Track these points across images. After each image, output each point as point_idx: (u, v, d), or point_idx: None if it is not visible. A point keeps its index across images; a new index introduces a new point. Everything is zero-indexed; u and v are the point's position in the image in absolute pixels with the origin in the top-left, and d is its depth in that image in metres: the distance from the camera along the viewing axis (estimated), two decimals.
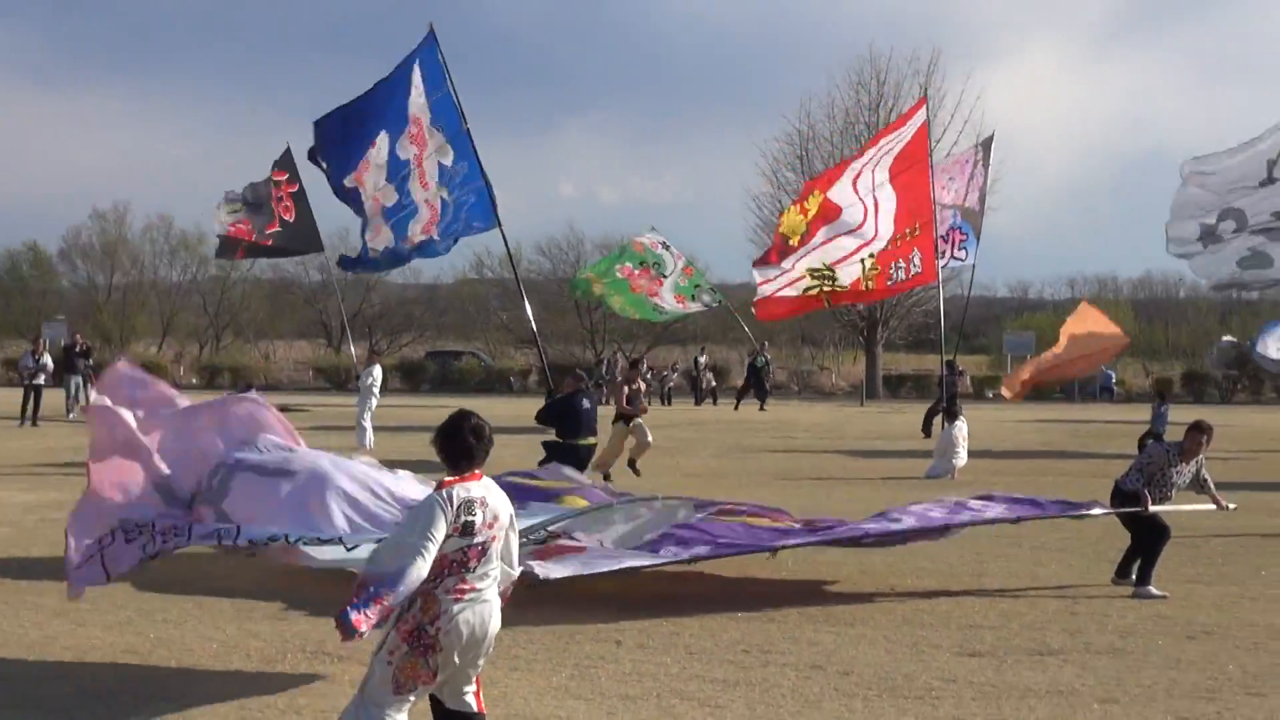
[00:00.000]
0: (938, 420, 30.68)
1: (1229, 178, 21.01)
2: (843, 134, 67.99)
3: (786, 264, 28.46)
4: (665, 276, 39.92)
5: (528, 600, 10.15)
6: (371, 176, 25.28)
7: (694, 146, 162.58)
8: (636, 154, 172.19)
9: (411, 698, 7.00)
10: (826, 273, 28.45)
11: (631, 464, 23.46)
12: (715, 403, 56.60)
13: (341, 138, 25.53)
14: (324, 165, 26.02)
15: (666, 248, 40.77)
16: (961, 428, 25.83)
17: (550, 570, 11.10)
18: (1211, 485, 13.83)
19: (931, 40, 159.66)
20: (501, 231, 25.45)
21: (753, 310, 30.66)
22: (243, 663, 10.18)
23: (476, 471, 7.12)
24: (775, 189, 69.76)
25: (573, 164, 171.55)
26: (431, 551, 6.79)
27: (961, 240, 32.92)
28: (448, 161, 24.79)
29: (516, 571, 7.38)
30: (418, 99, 24.73)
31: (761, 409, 51.24)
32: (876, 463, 28.17)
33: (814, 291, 28.61)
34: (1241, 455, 29.98)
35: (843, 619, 11.75)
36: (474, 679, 7.21)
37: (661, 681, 9.67)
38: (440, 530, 6.83)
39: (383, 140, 25.07)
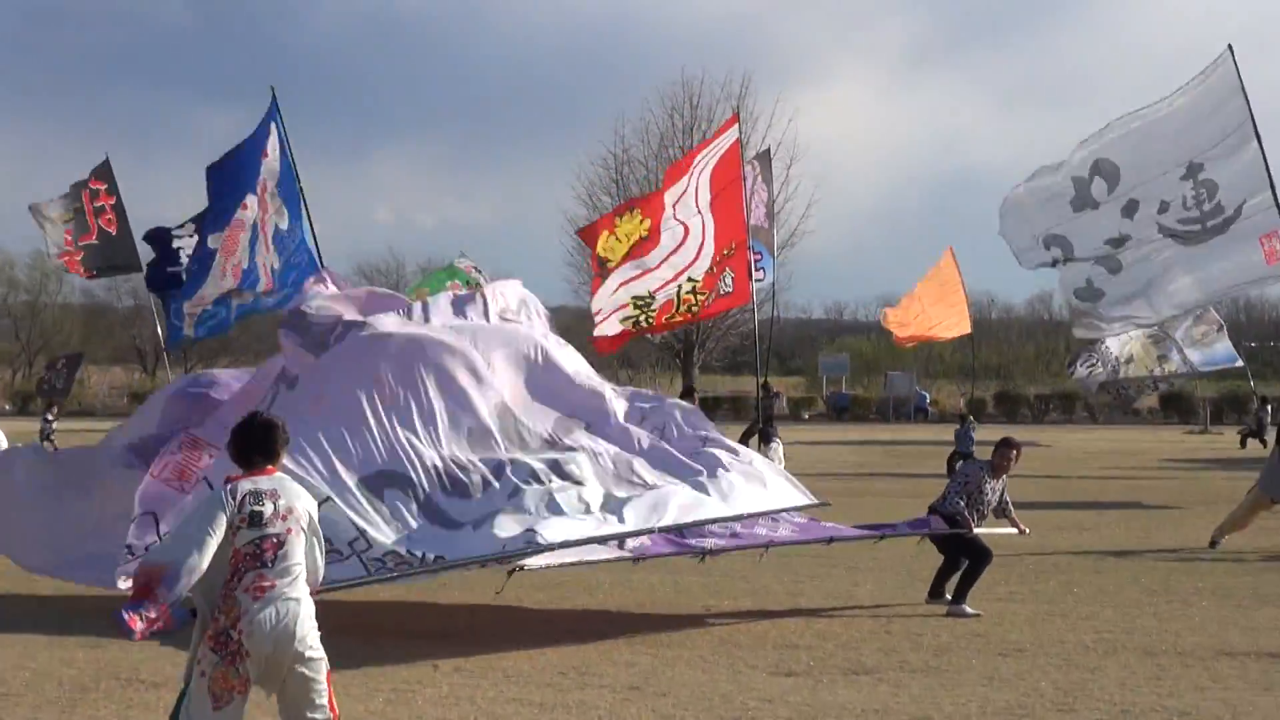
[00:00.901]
0: (753, 442, 31.07)
1: (1040, 201, 21.36)
2: (657, 157, 68.84)
3: (610, 284, 28.73)
4: None
5: (349, 624, 10.09)
6: (242, 238, 25.05)
7: (510, 171, 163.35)
8: (452, 179, 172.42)
9: (230, 710, 6.89)
10: (648, 299, 28.81)
11: None
12: None
13: (216, 194, 25.28)
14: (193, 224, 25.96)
15: (479, 271, 41.21)
16: (776, 449, 26.29)
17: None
18: (1011, 508, 14.27)
19: (743, 64, 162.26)
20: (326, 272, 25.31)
21: (593, 344, 30.89)
22: (55, 691, 9.96)
23: (270, 467, 7.11)
24: (591, 212, 70.25)
25: (388, 189, 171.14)
26: (209, 544, 6.72)
27: (757, 260, 33.51)
28: (284, 225, 24.71)
29: (317, 579, 7.32)
30: (271, 163, 24.61)
31: None
32: None
33: (637, 318, 28.93)
34: (1055, 475, 30.86)
35: (660, 641, 11.84)
36: (318, 694, 7.07)
37: (479, 705, 9.65)
38: (219, 523, 6.78)
39: (251, 201, 24.91)
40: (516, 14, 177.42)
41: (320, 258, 24.67)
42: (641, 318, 28.88)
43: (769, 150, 35.85)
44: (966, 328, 36.92)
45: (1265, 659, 11.32)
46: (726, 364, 75.47)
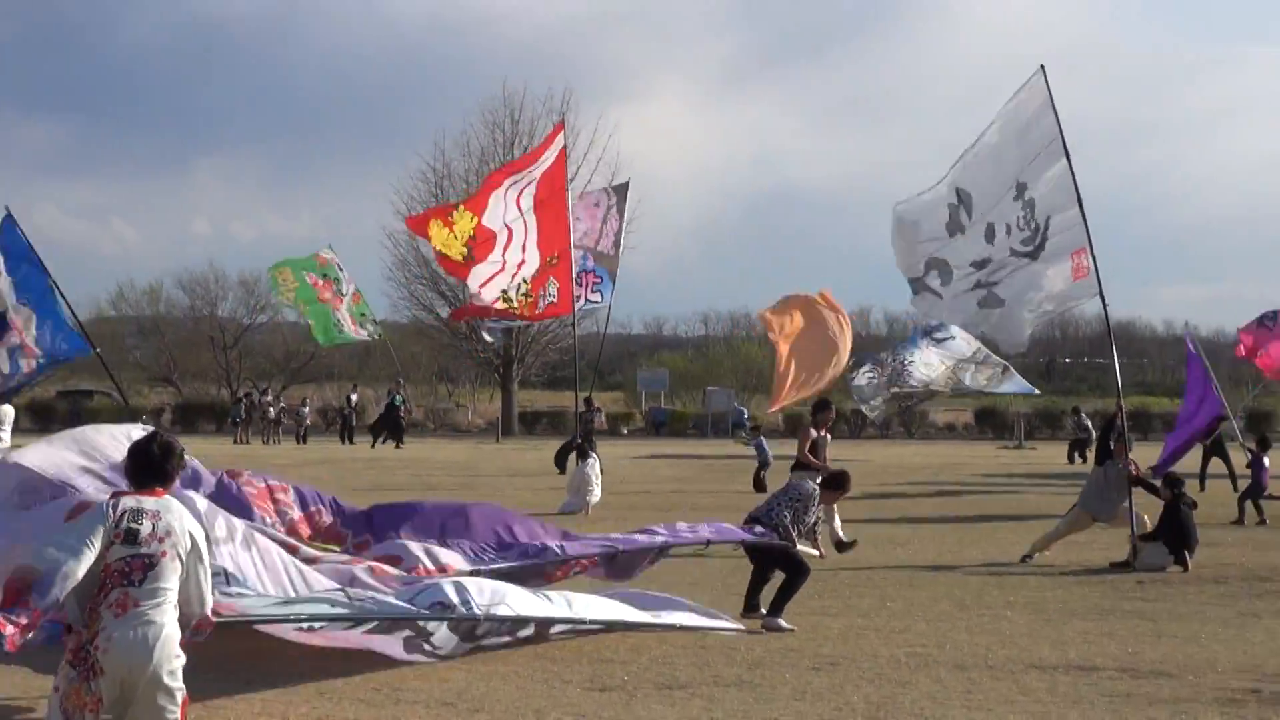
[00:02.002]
0: (572, 456, 31.20)
1: (922, 226, 21.49)
2: (478, 172, 69.19)
3: (473, 281, 29.26)
4: (342, 296, 40.39)
5: None
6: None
7: (330, 184, 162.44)
8: (271, 191, 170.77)
9: None
10: (509, 295, 29.48)
11: None
12: (351, 441, 56.49)
13: None
14: None
15: (341, 269, 41.21)
16: (594, 464, 26.51)
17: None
18: (817, 530, 14.62)
19: (566, 79, 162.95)
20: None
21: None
22: None
23: (159, 489, 7.11)
24: None
25: (207, 201, 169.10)
26: (86, 555, 6.69)
27: (595, 283, 33.89)
28: (35, 330, 24.59)
29: (204, 608, 7.25)
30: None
31: (398, 446, 51.40)
32: (511, 498, 28.37)
33: (503, 306, 29.62)
34: (871, 491, 31.35)
35: (475, 656, 11.82)
36: None
37: None
38: (98, 535, 6.77)
39: None
40: (338, 26, 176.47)
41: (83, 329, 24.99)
42: (512, 305, 29.59)
43: (627, 182, 36.26)
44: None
45: (1074, 672, 11.65)
46: (546, 379, 75.64)
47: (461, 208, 29.51)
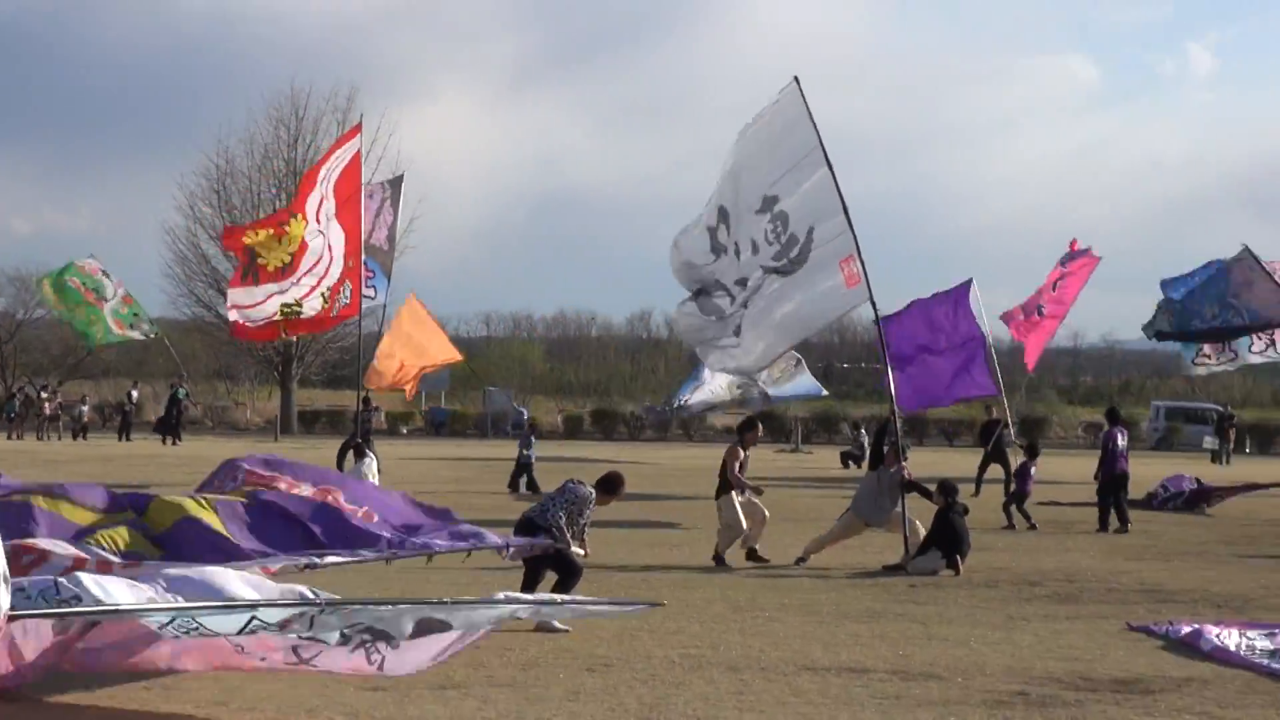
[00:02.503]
0: (349, 456, 31.01)
1: (690, 248, 21.26)
2: (261, 169, 68.44)
3: (259, 294, 29.04)
4: (106, 301, 40.29)
5: None
6: None
7: (112, 179, 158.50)
8: (51, 185, 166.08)
9: None
10: (296, 308, 29.26)
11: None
12: (129, 438, 55.59)
13: None
14: None
15: (106, 275, 40.96)
16: (371, 464, 26.36)
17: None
18: (585, 534, 14.71)
19: (351, 77, 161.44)
20: None
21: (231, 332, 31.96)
22: None
23: None
24: (192, 223, 69.43)
25: None
26: None
27: (369, 278, 33.93)
28: None
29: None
30: None
31: (175, 443, 50.79)
32: None
33: (277, 319, 29.53)
34: (650, 493, 31.53)
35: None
36: None
37: None
38: None
39: None
40: (120, 18, 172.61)
41: None
42: (284, 320, 29.58)
43: (402, 176, 36.41)
44: (456, 354, 37.42)
45: (845, 673, 11.80)
46: (326, 378, 74.94)
47: (299, 217, 29.46)
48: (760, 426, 21.76)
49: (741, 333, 20.69)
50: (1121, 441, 25.79)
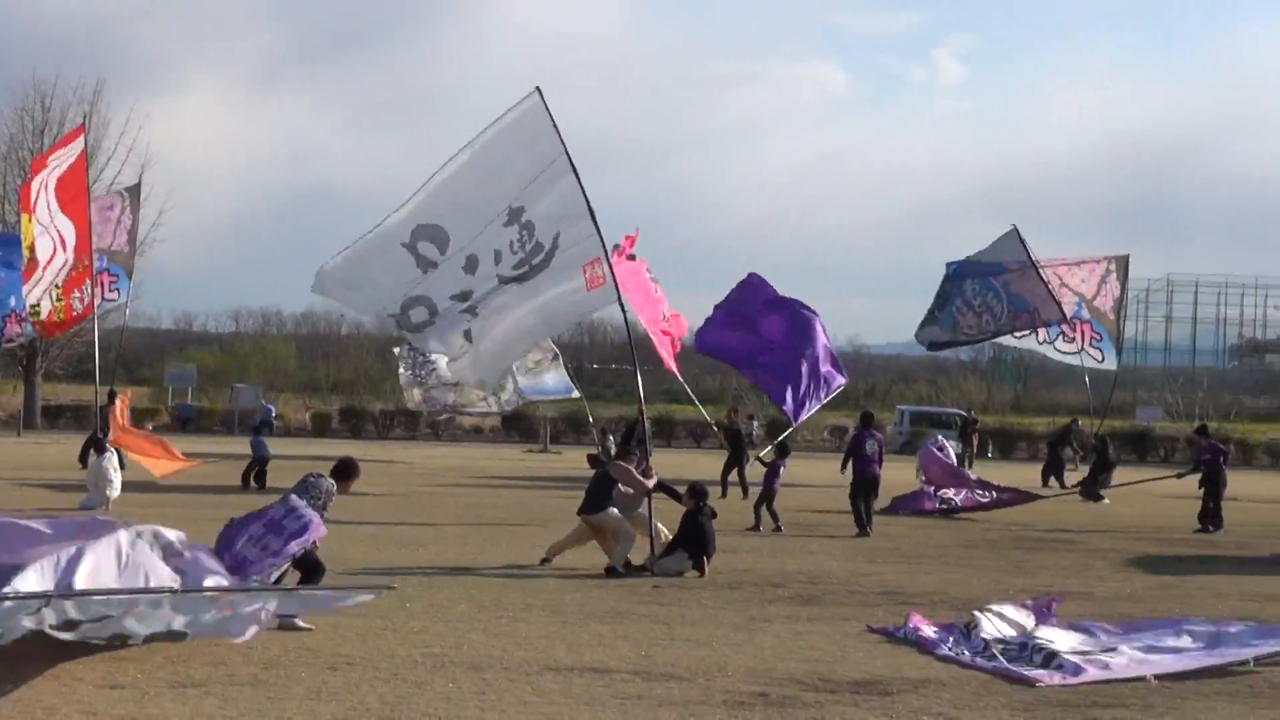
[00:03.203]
0: (91, 451, 30.53)
1: (383, 268, 20.53)
2: (5, 159, 67.33)
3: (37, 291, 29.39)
4: None
5: None
6: None
7: None
8: None
9: None
10: (36, 309, 29.69)
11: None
12: None
13: None
14: None
15: None
16: (112, 458, 26.09)
17: None
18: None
19: (99, 68, 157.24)
20: None
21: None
22: None
23: None
24: None
25: None
26: None
27: (112, 281, 33.81)
28: None
29: None
30: None
31: None
32: (33, 494, 27.61)
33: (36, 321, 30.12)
34: (395, 491, 31.46)
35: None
36: None
37: None
38: None
39: None
40: None
41: None
42: (35, 320, 30.06)
43: (139, 183, 36.33)
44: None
45: (588, 673, 11.99)
46: (71, 372, 73.18)
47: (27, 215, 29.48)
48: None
49: (475, 341, 20.58)
50: (872, 446, 26.40)
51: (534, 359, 39.54)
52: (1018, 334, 37.63)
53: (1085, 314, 37.54)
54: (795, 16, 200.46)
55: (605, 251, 20.02)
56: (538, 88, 20.05)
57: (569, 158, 19.89)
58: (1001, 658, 13.16)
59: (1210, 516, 28.79)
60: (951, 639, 13.95)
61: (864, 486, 25.97)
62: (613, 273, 19.99)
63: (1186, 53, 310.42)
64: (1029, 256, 35.44)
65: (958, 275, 36.62)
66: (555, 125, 19.91)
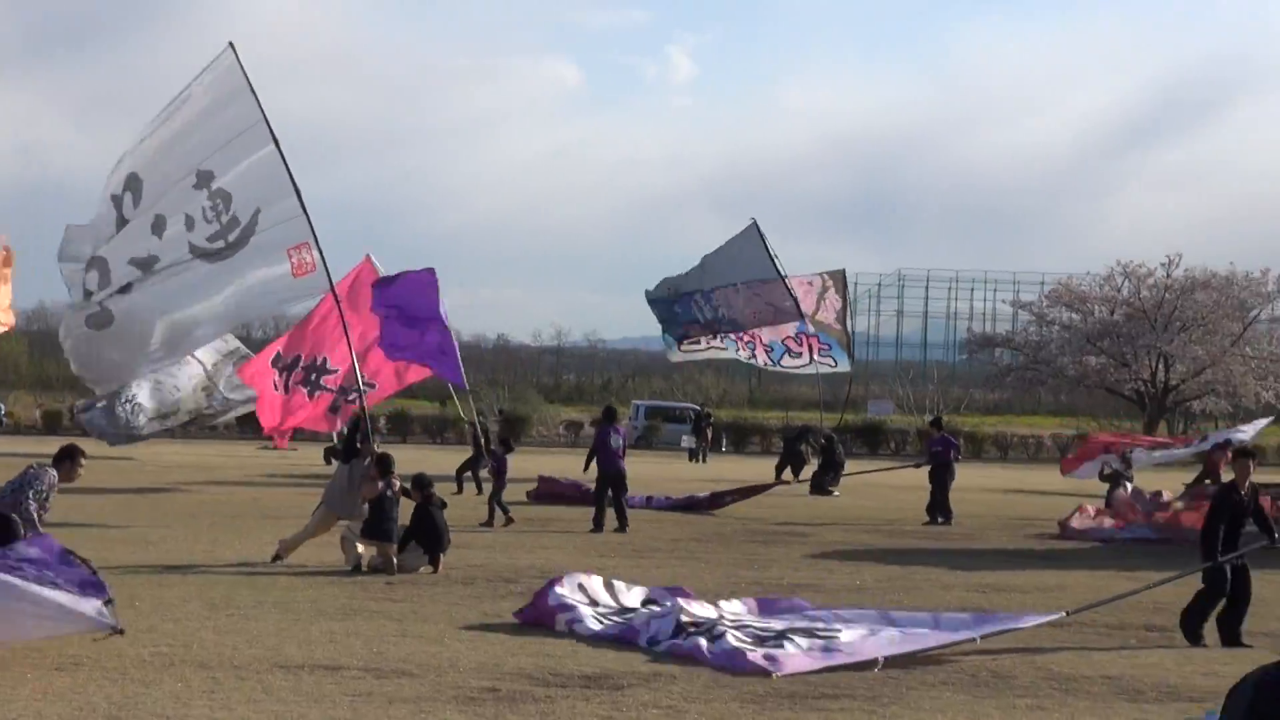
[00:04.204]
0: None
1: (92, 223, 19.81)
2: None
3: None
4: None
5: None
6: None
7: None
8: None
9: None
10: None
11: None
12: None
13: None
14: None
15: None
16: None
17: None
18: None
19: None
20: None
21: None
22: None
23: None
24: None
25: None
26: None
27: None
28: None
29: None
30: None
31: None
32: None
33: None
34: (127, 488, 30.94)
35: None
36: None
37: None
38: None
39: None
40: None
41: None
42: None
43: None
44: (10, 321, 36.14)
45: (319, 671, 12.10)
46: None
47: None
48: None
49: (119, 325, 19.72)
50: (616, 440, 26.80)
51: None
52: (745, 356, 38.58)
53: (810, 328, 38.41)
54: (531, 12, 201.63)
55: (315, 236, 19.57)
56: (230, 43, 19.48)
57: (270, 128, 19.20)
58: (708, 638, 13.64)
59: (939, 508, 29.85)
60: (652, 623, 14.40)
61: (610, 481, 26.32)
62: (324, 259, 19.59)
63: (910, 51, 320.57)
64: (768, 252, 36.20)
65: (668, 298, 37.16)
66: (252, 89, 19.17)
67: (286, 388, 23.75)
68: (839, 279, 39.62)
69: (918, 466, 33.15)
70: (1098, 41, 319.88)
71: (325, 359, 23.87)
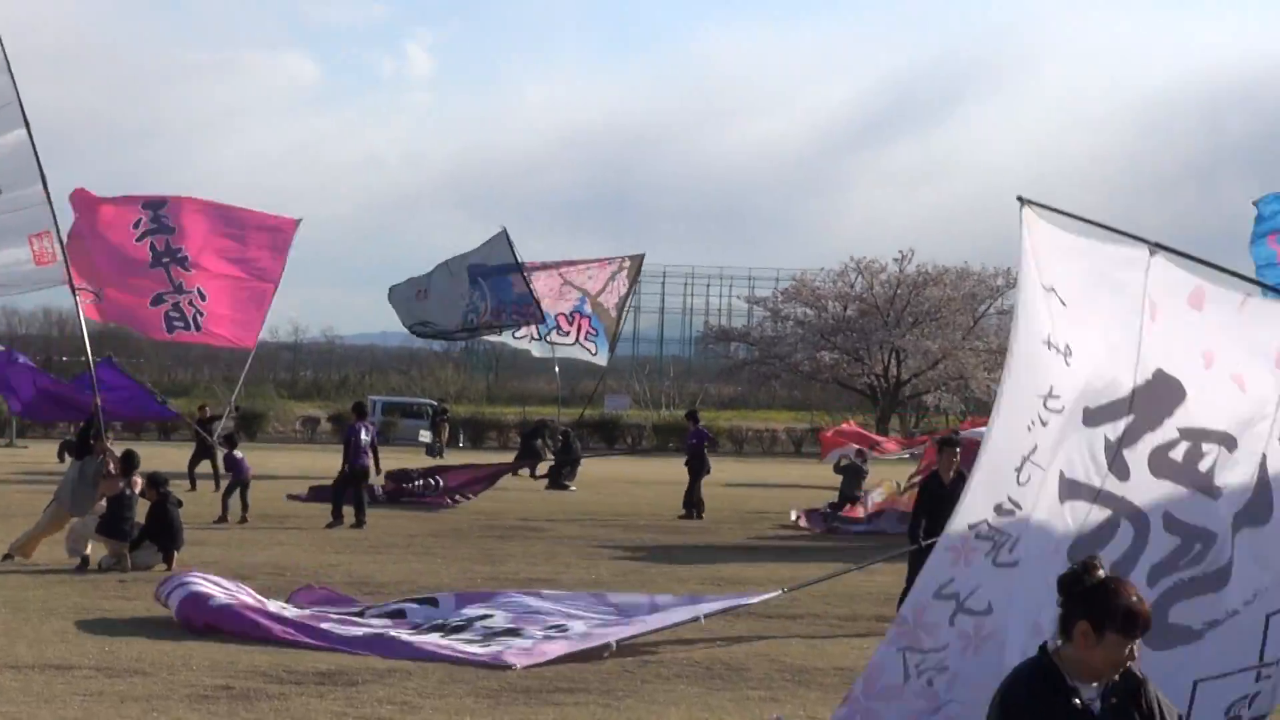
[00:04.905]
0: None
1: None
2: None
3: None
4: None
5: None
6: None
7: None
8: None
9: None
10: None
11: None
12: None
13: None
14: None
15: None
16: None
17: None
18: None
19: None
20: None
21: None
22: None
23: None
24: None
25: None
26: None
27: None
28: None
29: None
30: None
31: None
32: None
33: None
34: None
35: None
36: None
37: None
38: None
39: None
40: None
41: None
42: None
43: None
44: None
45: (50, 671, 11.96)
46: None
47: None
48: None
49: None
50: (365, 436, 26.79)
51: None
52: (516, 335, 38.47)
53: (588, 309, 38.48)
54: (268, 6, 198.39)
55: (57, 227, 19.28)
56: None
57: (23, 111, 19.01)
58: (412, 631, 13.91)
59: (692, 501, 30.24)
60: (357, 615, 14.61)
61: (356, 477, 26.28)
62: (65, 253, 19.31)
63: (650, 49, 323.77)
64: (515, 259, 36.20)
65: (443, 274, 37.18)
66: (10, 69, 18.97)
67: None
68: (636, 264, 39.51)
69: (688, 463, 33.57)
70: (831, 42, 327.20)
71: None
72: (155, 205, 27.15)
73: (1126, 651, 5.39)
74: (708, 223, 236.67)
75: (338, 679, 12.12)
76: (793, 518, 29.03)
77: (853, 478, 31.00)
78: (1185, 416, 7.94)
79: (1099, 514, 7.81)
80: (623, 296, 39.51)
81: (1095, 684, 5.44)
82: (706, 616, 14.42)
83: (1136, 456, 7.84)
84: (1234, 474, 7.99)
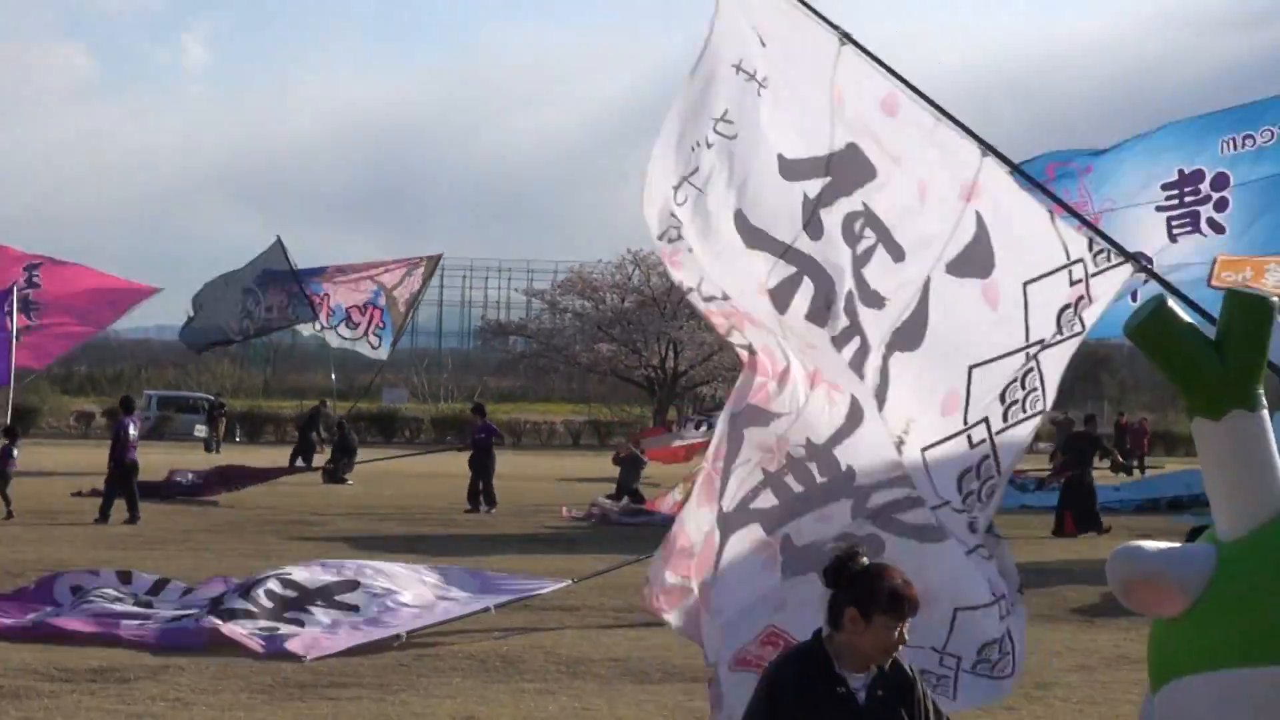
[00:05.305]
0: None
1: None
2: None
3: None
4: None
5: None
6: None
7: None
8: None
9: None
10: None
11: None
12: None
13: None
14: None
15: None
16: None
17: None
18: None
19: None
20: None
21: None
22: None
23: None
24: None
25: None
26: None
27: None
28: None
29: None
30: None
31: None
32: None
33: None
34: None
35: None
36: None
37: None
38: None
39: None
40: None
41: None
42: None
43: None
44: None
45: None
46: None
47: None
48: None
49: None
50: (133, 431, 26.48)
51: None
52: (303, 327, 38.17)
53: (382, 301, 38.23)
54: None
55: None
56: None
57: None
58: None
59: (483, 495, 30.26)
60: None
61: (125, 473, 25.94)
62: None
63: (430, 42, 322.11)
64: (291, 267, 35.93)
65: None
66: None
67: None
68: (432, 262, 39.33)
69: (460, 450, 33.58)
70: (609, 34, 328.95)
71: None
72: (31, 267, 28.29)
73: (895, 635, 5.55)
74: (488, 216, 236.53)
75: (109, 675, 12.03)
76: (564, 513, 29.23)
77: (631, 469, 31.30)
78: (871, 197, 7.37)
79: (784, 269, 7.39)
80: (414, 293, 39.42)
81: (862, 674, 5.60)
82: (497, 608, 14.59)
83: (831, 220, 7.35)
84: (901, 287, 7.40)
